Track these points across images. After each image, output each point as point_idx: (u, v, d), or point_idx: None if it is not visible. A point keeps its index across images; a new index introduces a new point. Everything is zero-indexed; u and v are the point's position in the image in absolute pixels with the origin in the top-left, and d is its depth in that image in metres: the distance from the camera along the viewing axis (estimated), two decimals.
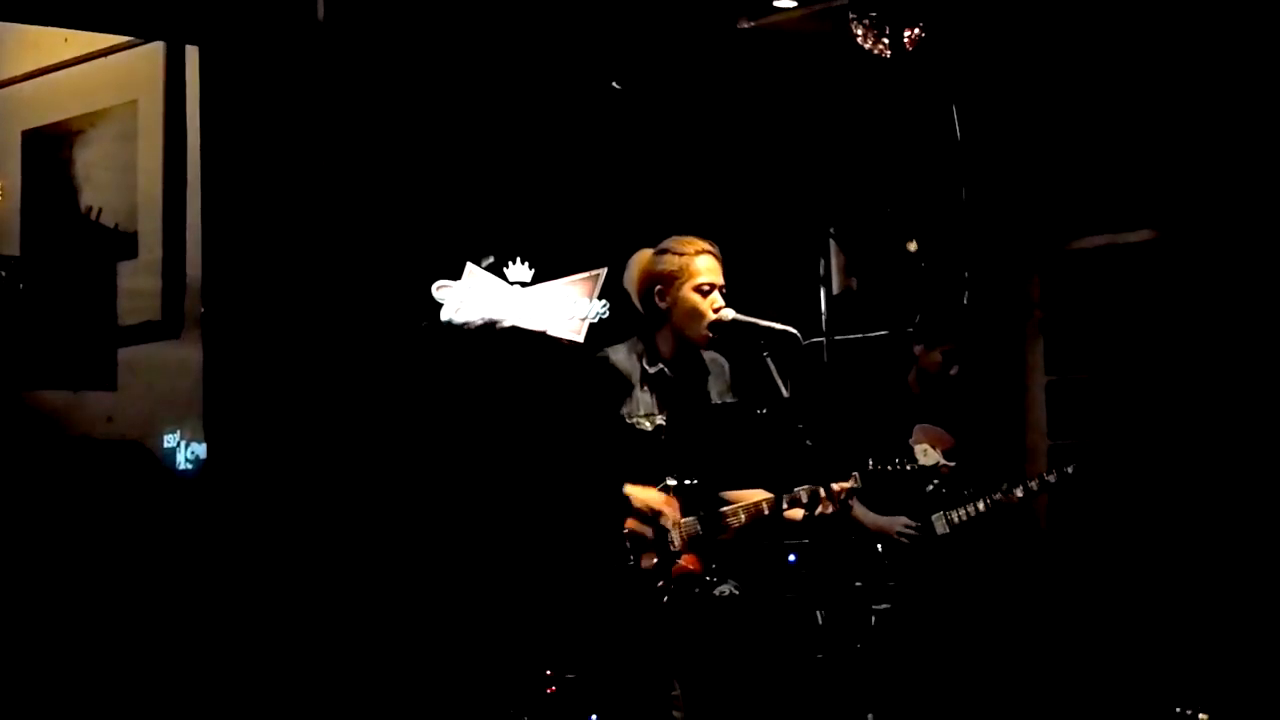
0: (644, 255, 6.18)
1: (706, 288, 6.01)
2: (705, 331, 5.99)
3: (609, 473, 5.89)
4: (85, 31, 7.26)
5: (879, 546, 7.16)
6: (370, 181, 6.83)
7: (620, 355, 6.10)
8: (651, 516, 5.89)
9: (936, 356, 7.37)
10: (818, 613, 6.83)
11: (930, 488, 7.06)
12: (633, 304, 6.26)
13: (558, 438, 5.98)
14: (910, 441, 6.99)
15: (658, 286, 6.05)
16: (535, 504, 6.22)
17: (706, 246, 6.08)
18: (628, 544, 5.88)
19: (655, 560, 5.85)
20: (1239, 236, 7.87)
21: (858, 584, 7.11)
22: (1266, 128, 7.72)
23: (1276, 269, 7.72)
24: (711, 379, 6.19)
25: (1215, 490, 7.71)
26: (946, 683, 6.98)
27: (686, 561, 5.92)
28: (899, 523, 7.12)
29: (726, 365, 6.22)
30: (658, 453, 6.01)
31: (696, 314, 5.99)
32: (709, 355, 6.23)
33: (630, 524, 5.89)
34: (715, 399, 6.16)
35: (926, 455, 6.90)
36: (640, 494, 5.92)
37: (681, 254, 6.04)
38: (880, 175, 8.80)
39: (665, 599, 5.85)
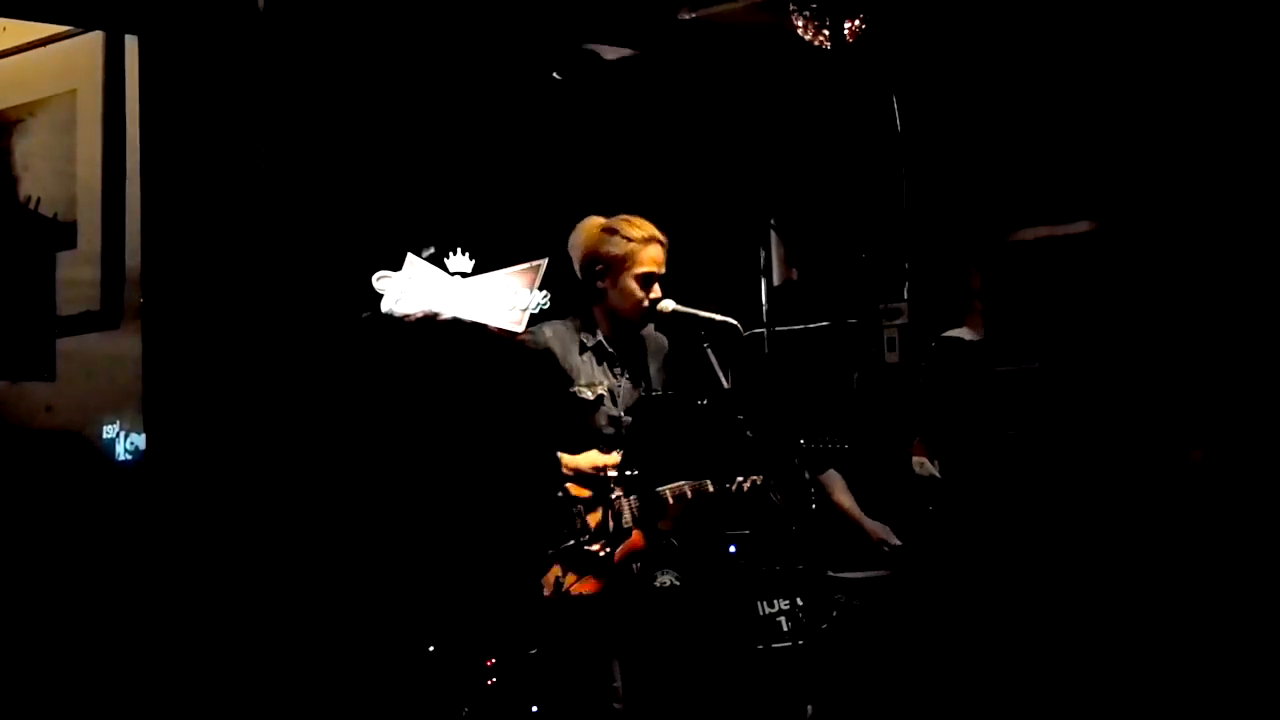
0: (593, 226, 6.17)
1: (648, 277, 6.03)
2: (642, 310, 6.02)
3: (546, 461, 5.90)
4: (24, 20, 7.22)
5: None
6: (310, 172, 6.82)
7: (557, 327, 6.10)
8: (593, 474, 5.91)
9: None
10: (781, 602, 6.85)
11: (924, 500, 7.08)
12: (573, 274, 6.26)
13: (492, 426, 5.98)
14: (912, 454, 7.02)
15: (599, 266, 6.07)
16: (473, 493, 6.22)
17: (655, 234, 6.10)
18: (577, 524, 5.89)
19: (602, 544, 5.86)
20: (1179, 229, 7.92)
21: (827, 573, 7.12)
22: (1206, 120, 7.77)
23: (1217, 261, 7.77)
24: (650, 355, 6.21)
25: (1158, 482, 7.75)
26: (887, 677, 6.99)
27: (635, 538, 5.95)
28: (881, 530, 7.08)
29: (666, 345, 6.24)
30: (600, 424, 6.03)
31: (633, 300, 6.02)
32: (648, 332, 6.25)
33: (573, 489, 5.91)
34: (654, 376, 6.18)
35: (923, 468, 6.94)
36: (576, 460, 5.93)
37: (630, 240, 6.05)
38: (821, 167, 8.82)
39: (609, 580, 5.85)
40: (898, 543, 7.04)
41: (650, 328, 6.29)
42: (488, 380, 6.21)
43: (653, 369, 6.22)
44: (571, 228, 6.28)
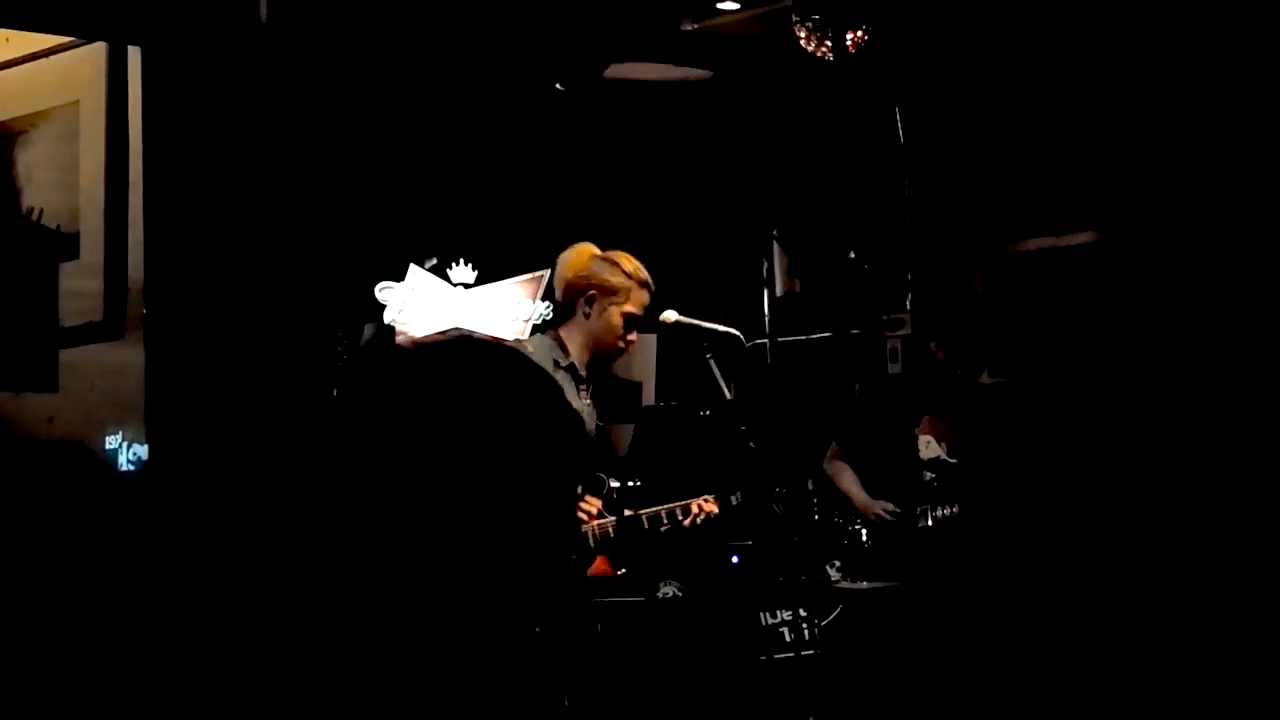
0: (587, 250, 6.12)
1: (634, 318, 5.98)
2: (616, 349, 5.98)
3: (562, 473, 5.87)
4: (27, 32, 7.22)
5: (863, 533, 7.14)
6: (313, 182, 6.82)
7: (538, 342, 6.05)
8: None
9: (941, 354, 7.32)
10: (783, 612, 6.83)
11: (927, 479, 7.06)
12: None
13: (511, 438, 5.96)
14: (916, 430, 7.03)
15: (591, 293, 5.99)
16: (484, 508, 6.20)
17: (649, 279, 6.03)
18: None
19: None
20: (1182, 240, 7.92)
21: (834, 567, 7.11)
22: (1208, 132, 7.77)
23: (1219, 272, 7.78)
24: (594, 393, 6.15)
25: (1160, 491, 7.75)
26: (890, 688, 6.98)
27: (597, 564, 5.90)
28: (880, 506, 7.09)
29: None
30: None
31: (613, 336, 5.95)
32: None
33: None
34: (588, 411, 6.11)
35: (929, 448, 6.93)
36: None
37: (629, 276, 5.97)
38: (824, 178, 8.83)
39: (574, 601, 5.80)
40: (898, 511, 7.03)
41: None
42: (498, 394, 6.19)
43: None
44: (574, 239, 6.26)
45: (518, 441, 5.85)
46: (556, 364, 5.99)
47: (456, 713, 5.73)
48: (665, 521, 5.93)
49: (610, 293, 5.95)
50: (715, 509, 5.97)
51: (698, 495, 6.06)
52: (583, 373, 6.03)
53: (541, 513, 5.79)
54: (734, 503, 6.08)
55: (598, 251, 6.08)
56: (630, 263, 6.01)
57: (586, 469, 5.94)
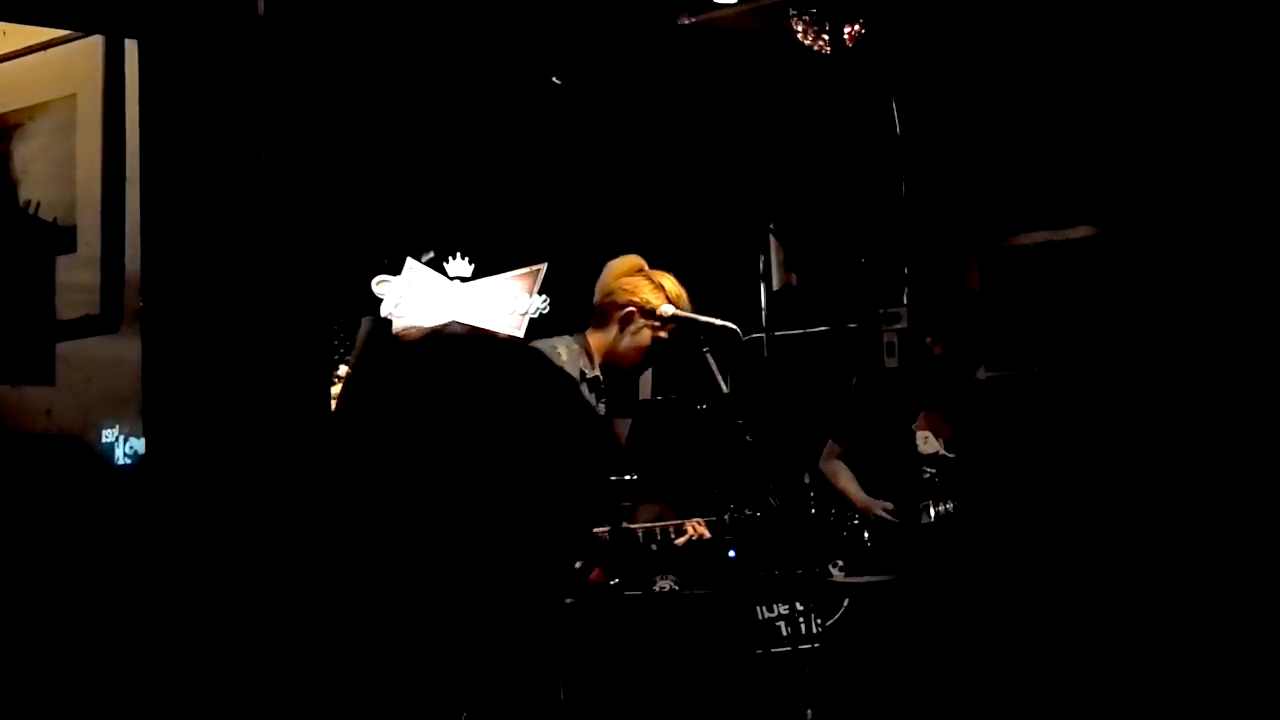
0: (635, 264, 6.08)
1: (662, 344, 5.96)
2: (635, 368, 5.97)
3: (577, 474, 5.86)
4: (24, 25, 7.22)
5: (865, 534, 7.14)
6: (310, 176, 6.82)
7: (570, 348, 6.01)
8: None
9: (938, 349, 7.30)
10: (780, 606, 6.83)
11: (926, 475, 7.07)
12: (571, 281, 6.19)
13: (525, 438, 5.96)
14: (913, 426, 7.03)
15: (631, 310, 5.95)
16: (492, 506, 6.20)
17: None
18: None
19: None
20: (1179, 234, 7.92)
21: (836, 565, 7.12)
22: (1206, 126, 7.77)
23: (1217, 267, 7.78)
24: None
25: (1156, 485, 7.76)
26: (888, 681, 6.98)
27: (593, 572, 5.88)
28: (880, 505, 7.09)
29: None
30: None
31: (639, 355, 5.94)
32: None
33: None
34: None
35: (926, 443, 6.94)
36: None
37: (674, 305, 5.93)
38: (820, 171, 8.82)
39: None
40: (899, 509, 7.04)
41: None
42: (508, 390, 6.18)
43: None
44: (571, 233, 6.25)
45: (531, 441, 5.85)
46: (583, 374, 5.96)
47: (454, 705, 5.74)
48: (659, 537, 5.91)
49: (650, 315, 5.92)
50: (707, 533, 5.96)
51: (695, 491, 6.06)
52: (602, 384, 6.02)
53: (554, 513, 5.80)
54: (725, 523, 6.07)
55: (646, 267, 6.06)
56: (675, 287, 5.99)
57: (607, 473, 5.91)
